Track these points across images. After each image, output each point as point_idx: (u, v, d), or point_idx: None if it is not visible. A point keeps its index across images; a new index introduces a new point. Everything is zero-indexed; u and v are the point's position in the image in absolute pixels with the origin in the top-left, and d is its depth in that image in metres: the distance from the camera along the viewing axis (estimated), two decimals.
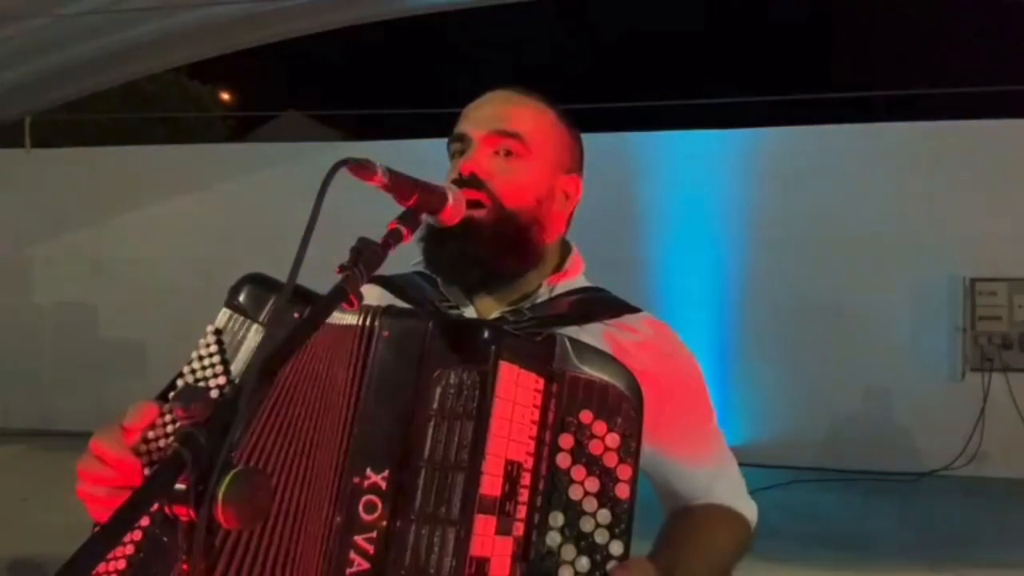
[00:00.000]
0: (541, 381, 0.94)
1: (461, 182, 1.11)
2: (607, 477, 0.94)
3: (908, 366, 5.98)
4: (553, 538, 0.92)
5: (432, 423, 0.86)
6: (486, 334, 0.88)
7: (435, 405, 0.87)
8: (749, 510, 1.22)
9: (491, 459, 0.86)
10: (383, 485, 0.85)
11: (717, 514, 1.19)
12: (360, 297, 0.87)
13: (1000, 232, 5.75)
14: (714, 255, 6.23)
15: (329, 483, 0.88)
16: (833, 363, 5.97)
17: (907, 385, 5.93)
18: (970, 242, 5.82)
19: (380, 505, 0.85)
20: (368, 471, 0.86)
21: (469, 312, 1.17)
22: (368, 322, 0.92)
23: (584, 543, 0.92)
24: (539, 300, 1.17)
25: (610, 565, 0.92)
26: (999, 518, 4.83)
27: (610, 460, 0.95)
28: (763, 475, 5.07)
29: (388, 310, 0.92)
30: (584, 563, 0.91)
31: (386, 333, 0.91)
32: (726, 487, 1.21)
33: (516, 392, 0.90)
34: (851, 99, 7.02)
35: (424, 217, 1.04)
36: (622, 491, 0.94)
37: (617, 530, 0.93)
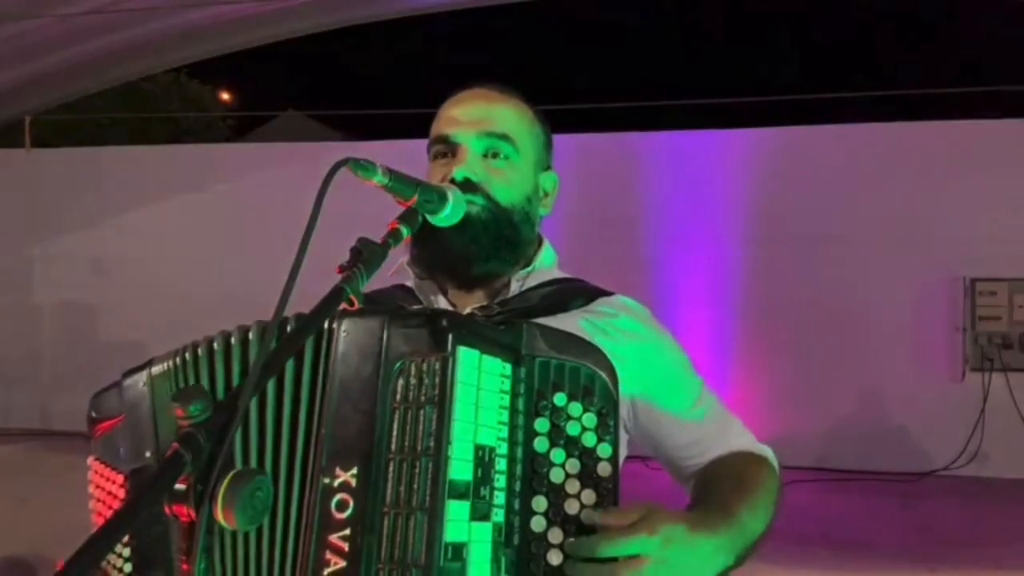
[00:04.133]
0: (507, 366, 0.94)
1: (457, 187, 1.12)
2: (588, 457, 0.94)
3: (908, 366, 5.98)
4: (539, 523, 0.92)
5: (397, 415, 0.87)
6: (444, 322, 0.88)
7: (398, 397, 0.87)
8: (765, 451, 1.20)
9: (458, 444, 0.86)
10: (352, 482, 0.86)
11: (736, 456, 1.17)
12: (360, 297, 0.88)
13: (1000, 232, 5.75)
14: (714, 255, 6.23)
15: (300, 486, 0.89)
16: (833, 363, 5.97)
17: (907, 385, 5.93)
18: (970, 242, 5.82)
19: (351, 502, 0.85)
20: (337, 470, 0.87)
21: None
22: (327, 324, 0.92)
23: (570, 525, 0.92)
24: (510, 295, 1.18)
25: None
26: (999, 518, 4.83)
27: (589, 440, 0.95)
28: None
29: (346, 311, 0.93)
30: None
31: (345, 332, 0.91)
32: (735, 438, 1.20)
33: (479, 377, 0.90)
34: (851, 99, 7.01)
35: (423, 217, 1.04)
36: (604, 469, 0.94)
37: (603, 509, 0.93)
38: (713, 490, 1.10)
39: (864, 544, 4.35)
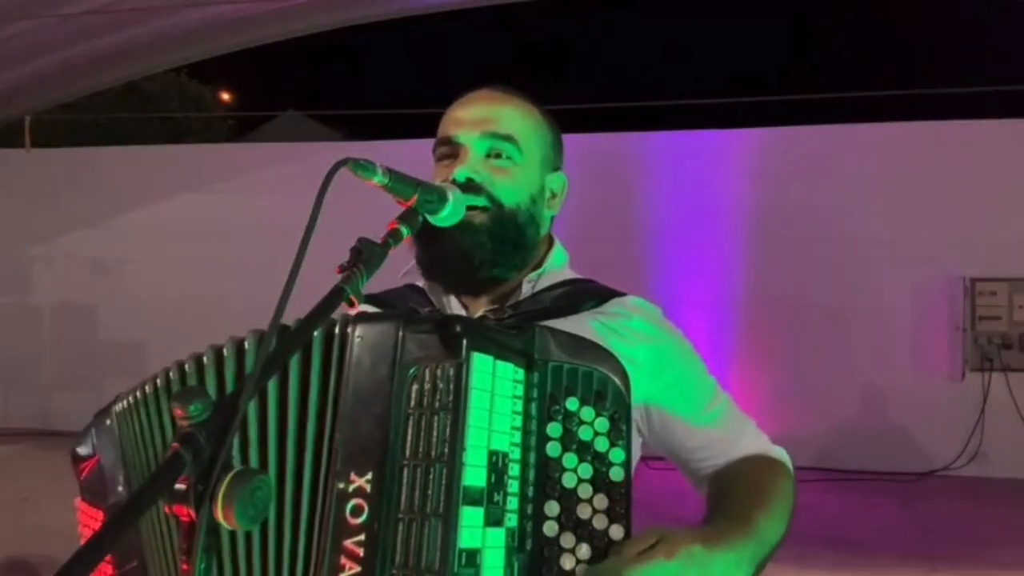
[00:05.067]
0: (520, 371, 0.94)
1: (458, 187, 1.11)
2: (600, 462, 0.94)
3: (908, 366, 5.98)
4: (551, 527, 0.92)
5: (411, 421, 0.87)
6: (458, 328, 0.89)
7: (412, 402, 0.88)
8: (781, 454, 1.20)
9: (472, 450, 0.86)
10: (367, 487, 0.86)
11: (752, 461, 1.16)
12: (360, 297, 0.87)
13: (1000, 232, 5.75)
14: (714, 255, 6.23)
15: (316, 491, 0.89)
16: (833, 363, 5.97)
17: (907, 385, 5.93)
18: (970, 242, 5.82)
19: (366, 507, 0.85)
20: (352, 475, 0.87)
21: None
22: (342, 329, 0.92)
23: (583, 530, 0.92)
24: (522, 297, 1.17)
25: (612, 549, 0.91)
26: (999, 518, 4.83)
27: (601, 444, 0.95)
28: None
29: (360, 316, 0.93)
30: (585, 550, 0.91)
31: (360, 337, 0.91)
32: (750, 441, 1.19)
33: (493, 383, 0.90)
34: (851, 99, 7.01)
35: (423, 217, 1.04)
36: (616, 474, 0.94)
37: (615, 514, 0.93)
38: (730, 499, 1.09)
39: (864, 544, 4.35)
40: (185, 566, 0.71)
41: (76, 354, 7.31)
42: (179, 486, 0.68)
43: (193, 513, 0.68)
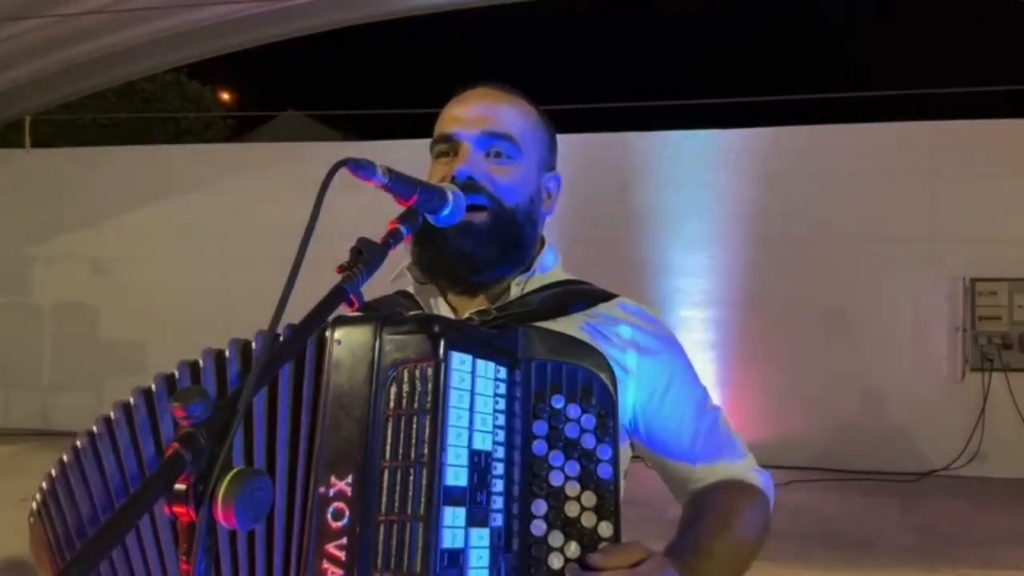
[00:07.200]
0: (502, 370, 0.93)
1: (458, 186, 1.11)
2: (587, 459, 0.94)
3: (908, 366, 5.98)
4: (539, 526, 0.91)
5: (391, 422, 0.87)
6: (436, 328, 0.88)
7: (392, 404, 0.87)
8: (761, 481, 1.19)
9: (453, 450, 0.86)
10: (348, 491, 0.86)
11: (729, 490, 1.15)
12: (360, 297, 0.87)
13: (1000, 232, 5.75)
14: (714, 255, 6.23)
15: (297, 495, 0.89)
16: (833, 363, 5.97)
17: (907, 385, 5.93)
18: (970, 242, 5.82)
19: (347, 511, 0.85)
20: (332, 479, 0.87)
21: None
22: (321, 332, 0.92)
23: (571, 528, 0.91)
24: (510, 299, 1.16)
25: (601, 547, 0.91)
26: (999, 518, 4.83)
27: (588, 442, 0.94)
28: None
29: (339, 319, 0.93)
30: (574, 548, 0.91)
31: (339, 340, 0.91)
32: (732, 464, 1.18)
33: (473, 382, 0.89)
34: (851, 99, 7.02)
35: (423, 217, 1.03)
36: (604, 471, 0.94)
37: (604, 511, 0.92)
38: (701, 530, 1.08)
39: (864, 544, 4.35)
40: (185, 566, 0.71)
41: (76, 354, 7.32)
42: (179, 486, 0.68)
43: (193, 513, 0.68)
